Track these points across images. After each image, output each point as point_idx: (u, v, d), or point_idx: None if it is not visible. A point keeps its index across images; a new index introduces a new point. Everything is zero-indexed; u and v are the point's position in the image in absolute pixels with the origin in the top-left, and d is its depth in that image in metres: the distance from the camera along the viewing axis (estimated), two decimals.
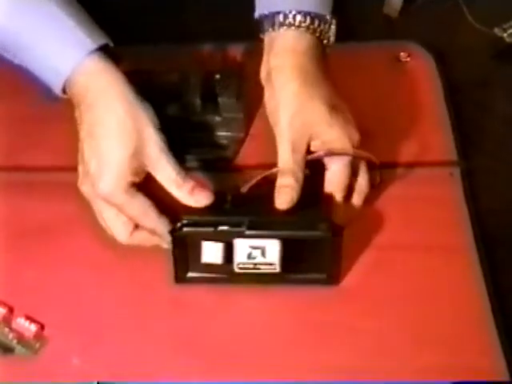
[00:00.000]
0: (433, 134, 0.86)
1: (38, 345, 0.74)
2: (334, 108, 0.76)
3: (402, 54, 0.93)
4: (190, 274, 0.76)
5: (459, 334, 0.73)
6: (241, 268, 0.74)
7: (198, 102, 0.84)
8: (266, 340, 0.74)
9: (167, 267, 0.75)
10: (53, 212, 0.81)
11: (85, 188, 0.76)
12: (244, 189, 0.77)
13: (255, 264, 0.74)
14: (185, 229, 0.73)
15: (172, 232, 0.73)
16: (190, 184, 0.74)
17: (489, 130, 0.89)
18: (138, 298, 0.76)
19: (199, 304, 0.76)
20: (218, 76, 0.85)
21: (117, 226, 0.76)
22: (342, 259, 0.75)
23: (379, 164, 0.79)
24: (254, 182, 0.76)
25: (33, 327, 0.74)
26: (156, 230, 0.75)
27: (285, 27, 0.78)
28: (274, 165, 0.76)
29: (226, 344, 0.74)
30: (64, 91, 0.76)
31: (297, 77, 0.76)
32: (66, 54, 0.74)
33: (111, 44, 0.76)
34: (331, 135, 0.76)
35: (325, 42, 0.80)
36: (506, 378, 0.71)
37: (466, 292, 0.76)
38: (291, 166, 0.75)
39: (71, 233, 0.79)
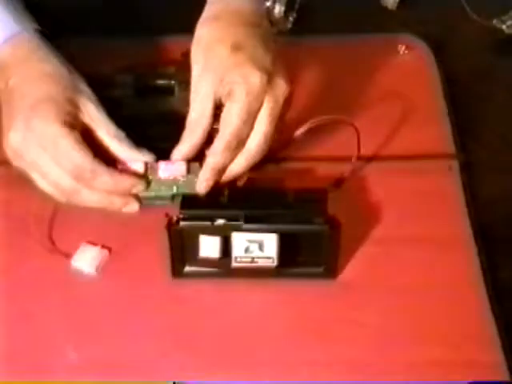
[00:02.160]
0: (431, 127, 0.86)
1: None
2: (236, 47, 0.72)
3: (399, 46, 0.93)
4: (188, 269, 0.76)
5: (457, 328, 0.73)
6: (238, 262, 0.74)
7: None
8: (264, 334, 0.74)
9: (164, 262, 0.75)
10: (49, 204, 0.80)
11: (12, 140, 0.71)
12: (240, 182, 0.76)
13: (253, 258, 0.73)
14: (182, 223, 0.73)
15: (169, 226, 0.73)
16: (130, 142, 0.73)
17: (487, 123, 0.88)
18: (135, 293, 0.76)
19: (197, 299, 0.75)
20: None
21: (76, 153, 0.71)
22: (339, 253, 0.75)
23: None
24: (250, 175, 0.76)
25: None
26: (96, 173, 0.72)
27: None
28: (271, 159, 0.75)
29: (224, 339, 0.73)
30: None
31: (208, 22, 0.75)
32: None
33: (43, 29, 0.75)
34: (229, 77, 0.72)
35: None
36: (504, 372, 0.71)
37: (464, 285, 0.76)
38: (192, 121, 0.74)
39: (67, 226, 0.79)
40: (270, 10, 0.75)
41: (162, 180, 0.75)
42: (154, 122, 0.83)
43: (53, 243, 0.78)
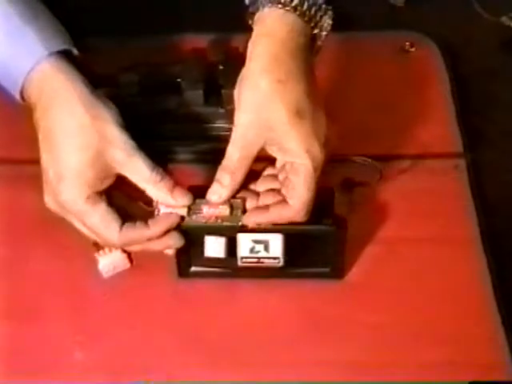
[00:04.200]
0: (438, 126, 0.86)
1: None
2: (298, 114, 0.68)
3: (407, 44, 0.92)
4: (194, 269, 0.76)
5: (464, 329, 0.73)
6: (244, 262, 0.73)
7: (200, 93, 0.83)
8: (270, 334, 0.73)
9: (170, 262, 0.75)
10: None
11: (48, 201, 0.71)
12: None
13: (258, 258, 0.73)
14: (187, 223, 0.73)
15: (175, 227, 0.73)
16: (169, 182, 0.70)
17: (496, 121, 0.88)
18: (141, 293, 0.76)
19: (203, 298, 0.75)
20: (221, 67, 0.84)
21: (103, 230, 0.71)
22: (345, 253, 0.74)
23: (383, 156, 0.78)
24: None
25: None
26: (114, 245, 0.72)
27: (269, 5, 0.69)
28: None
29: (230, 338, 0.73)
30: (23, 98, 0.72)
31: (266, 70, 0.68)
32: (18, 61, 0.70)
33: (71, 48, 0.72)
34: (288, 144, 0.69)
35: (316, 31, 0.71)
36: (510, 372, 0.70)
37: (471, 285, 0.75)
38: (234, 164, 0.71)
39: (70, 226, 0.79)
40: (316, 39, 0.73)
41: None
42: (160, 120, 0.83)
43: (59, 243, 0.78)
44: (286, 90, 0.68)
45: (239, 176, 0.71)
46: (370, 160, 0.80)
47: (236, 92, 0.71)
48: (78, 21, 0.89)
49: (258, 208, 0.72)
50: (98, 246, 0.76)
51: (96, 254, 0.76)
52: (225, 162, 0.71)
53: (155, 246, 0.72)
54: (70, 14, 0.80)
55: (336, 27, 0.92)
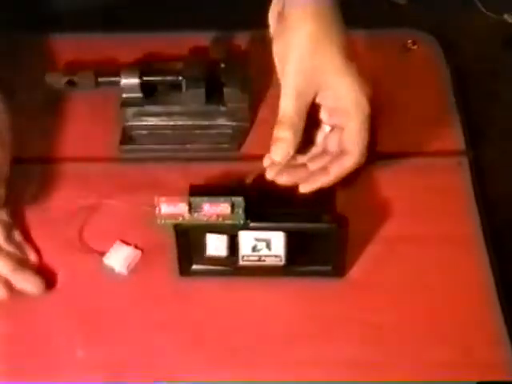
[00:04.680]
0: (440, 124, 0.86)
1: None
2: (348, 57, 0.69)
3: (409, 41, 0.92)
4: (195, 267, 0.76)
5: (466, 328, 0.73)
6: (246, 260, 0.73)
7: (202, 91, 0.83)
8: (272, 333, 0.73)
9: (171, 261, 0.75)
10: (58, 202, 0.81)
11: None
12: (248, 180, 0.76)
13: (260, 256, 0.73)
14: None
15: (176, 224, 0.73)
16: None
17: (498, 119, 0.88)
18: (143, 292, 0.76)
19: (204, 298, 0.75)
20: (222, 65, 0.84)
21: None
22: (347, 251, 0.74)
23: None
24: (258, 172, 0.75)
25: None
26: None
27: None
28: None
29: (232, 337, 0.73)
30: None
31: (312, 18, 0.68)
32: None
33: None
34: (342, 86, 0.68)
35: None
36: None
37: (474, 283, 0.75)
38: (291, 116, 0.69)
39: (70, 225, 0.79)
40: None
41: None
42: (161, 118, 0.83)
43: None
44: (333, 35, 0.68)
45: (299, 129, 0.69)
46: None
47: (274, 48, 0.70)
48: (78, 19, 0.90)
49: (313, 174, 0.71)
50: None
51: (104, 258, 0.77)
52: (281, 116, 0.69)
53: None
54: (70, 13, 0.81)
55: None
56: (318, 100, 0.70)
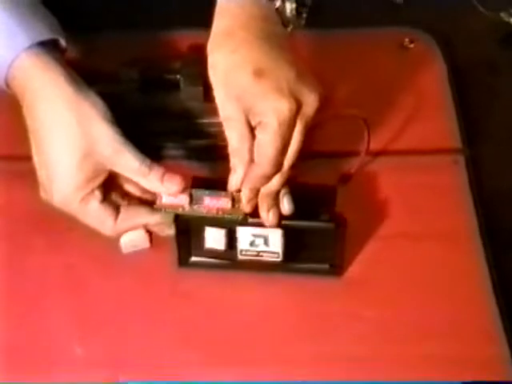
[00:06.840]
0: (437, 121, 0.86)
1: None
2: (256, 74, 0.67)
3: (406, 40, 0.92)
4: (193, 259, 0.76)
5: (463, 324, 0.73)
6: (244, 255, 0.74)
7: (200, 89, 0.83)
8: (269, 329, 0.74)
9: (169, 257, 0.75)
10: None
11: (45, 199, 0.72)
12: None
13: (258, 252, 0.73)
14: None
15: (176, 215, 0.73)
16: (158, 171, 0.71)
17: (495, 117, 0.88)
18: (140, 288, 0.76)
19: (201, 293, 0.75)
20: None
21: (98, 225, 0.73)
22: (345, 249, 0.75)
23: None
24: None
25: None
26: (111, 237, 0.74)
27: None
28: None
29: (229, 333, 0.73)
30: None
31: (220, 45, 0.69)
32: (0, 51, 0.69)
33: (58, 38, 0.71)
34: (254, 106, 0.68)
35: (278, 3, 0.71)
36: (509, 366, 0.71)
37: (470, 280, 0.76)
38: (236, 147, 0.69)
39: (71, 222, 0.79)
40: (280, 11, 0.72)
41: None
42: (159, 117, 0.83)
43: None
44: (241, 56, 0.68)
45: (246, 156, 0.69)
46: (357, 115, 0.77)
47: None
48: (78, 17, 0.89)
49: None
50: None
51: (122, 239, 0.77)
52: (229, 147, 0.70)
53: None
54: (69, 10, 0.81)
55: (335, 23, 0.92)
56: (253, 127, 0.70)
